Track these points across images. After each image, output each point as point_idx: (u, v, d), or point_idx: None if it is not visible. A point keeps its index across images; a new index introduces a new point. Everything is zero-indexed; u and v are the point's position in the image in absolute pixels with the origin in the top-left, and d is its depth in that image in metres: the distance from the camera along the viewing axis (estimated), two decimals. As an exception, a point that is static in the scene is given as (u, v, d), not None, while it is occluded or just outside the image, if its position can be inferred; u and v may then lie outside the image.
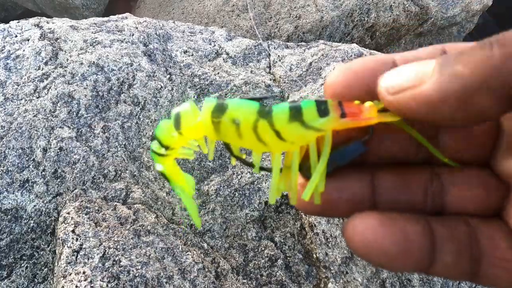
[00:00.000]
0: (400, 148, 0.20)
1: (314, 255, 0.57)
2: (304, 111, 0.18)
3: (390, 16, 1.20)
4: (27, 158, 0.59)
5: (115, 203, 0.56)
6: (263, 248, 0.57)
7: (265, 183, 0.62)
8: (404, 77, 0.16)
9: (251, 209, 0.60)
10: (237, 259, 0.56)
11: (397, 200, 0.19)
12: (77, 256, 0.47)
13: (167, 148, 0.20)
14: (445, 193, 0.19)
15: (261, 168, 0.20)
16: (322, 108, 0.18)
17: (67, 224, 0.51)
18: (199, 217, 0.22)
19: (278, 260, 0.56)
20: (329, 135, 0.19)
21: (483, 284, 0.18)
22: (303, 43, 0.92)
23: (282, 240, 0.59)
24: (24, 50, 0.70)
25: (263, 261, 0.56)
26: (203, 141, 0.20)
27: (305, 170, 0.19)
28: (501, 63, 0.14)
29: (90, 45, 0.72)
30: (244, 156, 0.21)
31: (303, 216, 0.60)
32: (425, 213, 0.19)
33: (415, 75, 0.16)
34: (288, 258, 0.57)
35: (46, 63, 0.68)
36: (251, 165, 0.20)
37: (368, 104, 0.18)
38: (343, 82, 0.19)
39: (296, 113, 0.18)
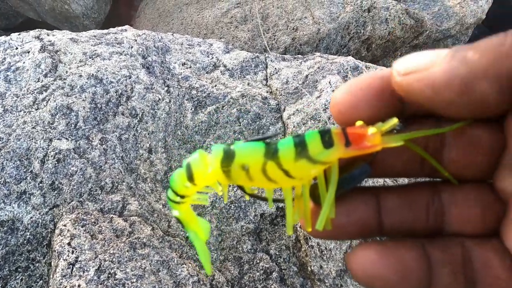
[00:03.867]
0: (403, 164, 0.20)
1: (309, 268, 0.57)
2: (309, 145, 0.18)
3: (385, 29, 1.22)
4: (24, 170, 0.60)
5: (112, 215, 0.56)
6: (258, 261, 0.58)
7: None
8: (417, 61, 0.17)
9: (247, 221, 0.60)
10: (232, 271, 0.56)
11: (401, 220, 0.20)
12: (72, 269, 0.48)
13: (182, 196, 0.21)
14: (444, 212, 0.20)
15: (275, 201, 0.21)
16: (326, 139, 0.18)
17: (63, 237, 0.51)
18: (210, 264, 0.23)
19: (273, 273, 0.57)
20: (336, 165, 0.19)
21: None
22: (299, 55, 0.94)
23: (277, 253, 0.59)
24: (24, 62, 0.71)
25: (258, 273, 0.56)
26: (216, 184, 0.21)
27: (315, 196, 0.20)
28: (511, 50, 0.14)
29: (90, 58, 0.74)
30: (256, 192, 0.21)
31: (298, 228, 0.61)
32: (426, 232, 0.20)
33: (427, 59, 0.16)
34: (283, 270, 0.58)
35: (45, 75, 0.69)
36: (265, 199, 0.21)
37: (371, 130, 0.18)
38: (349, 101, 0.18)
39: (301, 150, 0.18)
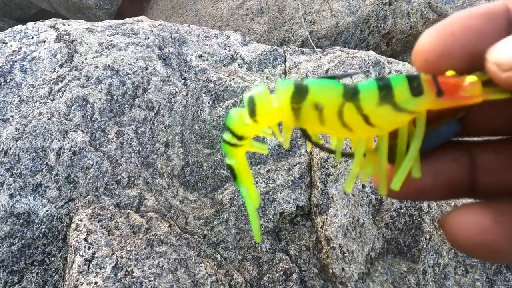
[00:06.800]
0: (505, 121, 0.16)
1: (330, 270, 0.55)
2: (395, 90, 0.15)
3: (407, 23, 1.18)
4: (40, 162, 0.59)
5: (128, 210, 0.55)
6: (277, 261, 0.56)
7: (280, 193, 0.61)
8: None
9: (266, 220, 0.58)
10: (251, 272, 0.55)
11: (501, 179, 0.17)
12: (89, 266, 0.46)
13: (240, 138, 0.18)
14: None
15: (343, 154, 0.18)
16: (415, 85, 0.15)
17: (79, 232, 0.50)
18: (259, 231, 0.20)
19: (293, 274, 0.55)
20: (423, 117, 0.16)
21: None
22: (319, 49, 0.90)
23: (297, 254, 0.57)
24: (40, 52, 0.69)
25: (277, 274, 0.55)
26: (276, 128, 0.18)
27: (390, 155, 0.17)
28: None
29: (106, 48, 0.72)
30: (322, 142, 0.19)
31: (319, 229, 0.58)
32: None
33: None
34: (303, 272, 0.56)
35: (61, 66, 0.68)
36: (331, 151, 0.18)
37: (470, 79, 0.15)
38: (439, 48, 0.15)
39: (386, 94, 0.15)
